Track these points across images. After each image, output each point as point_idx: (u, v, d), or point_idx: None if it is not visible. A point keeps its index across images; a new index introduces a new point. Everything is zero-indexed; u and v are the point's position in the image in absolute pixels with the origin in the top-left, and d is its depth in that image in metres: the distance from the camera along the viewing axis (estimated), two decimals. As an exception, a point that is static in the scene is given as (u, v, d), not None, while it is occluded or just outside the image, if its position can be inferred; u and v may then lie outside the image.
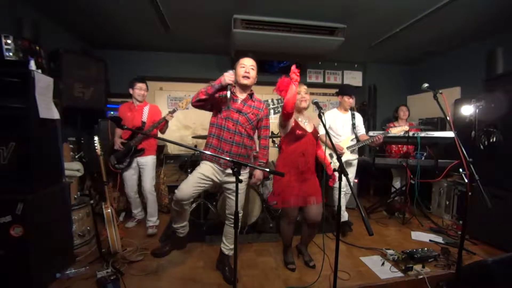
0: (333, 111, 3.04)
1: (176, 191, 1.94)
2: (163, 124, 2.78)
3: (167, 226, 2.97)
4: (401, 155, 3.53)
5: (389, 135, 2.87)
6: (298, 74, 1.78)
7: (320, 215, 2.08)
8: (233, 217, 1.99)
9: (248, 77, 1.92)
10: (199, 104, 1.87)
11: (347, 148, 2.87)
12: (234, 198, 1.90)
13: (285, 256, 2.27)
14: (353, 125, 3.00)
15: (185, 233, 2.27)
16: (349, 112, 3.04)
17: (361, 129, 3.04)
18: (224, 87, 1.81)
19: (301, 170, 2.00)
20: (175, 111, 2.74)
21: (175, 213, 2.09)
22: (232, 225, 2.01)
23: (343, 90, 3.01)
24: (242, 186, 2.03)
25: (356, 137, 3.01)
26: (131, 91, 2.80)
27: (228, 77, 1.77)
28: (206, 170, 1.95)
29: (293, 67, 1.76)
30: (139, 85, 2.79)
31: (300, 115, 2.12)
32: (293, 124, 2.03)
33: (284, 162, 2.06)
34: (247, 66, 1.92)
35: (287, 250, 2.28)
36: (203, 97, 1.82)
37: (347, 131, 2.98)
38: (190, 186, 1.93)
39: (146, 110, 2.83)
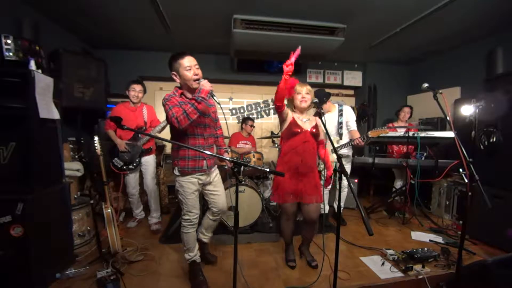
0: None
1: (188, 217, 1.90)
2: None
3: (167, 227, 2.97)
4: (402, 155, 3.54)
5: (369, 136, 2.76)
6: (291, 65, 1.72)
7: (316, 214, 2.09)
8: (219, 212, 2.06)
9: (199, 79, 1.76)
10: (190, 125, 1.74)
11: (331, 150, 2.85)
12: (219, 193, 2.03)
13: (286, 253, 2.29)
14: (340, 123, 2.93)
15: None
16: (336, 111, 2.96)
17: (352, 125, 2.95)
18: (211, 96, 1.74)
19: (296, 167, 2.01)
20: None
21: (192, 237, 1.96)
22: (214, 220, 2.12)
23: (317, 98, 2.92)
24: (219, 180, 2.08)
25: (341, 137, 2.95)
26: (127, 92, 2.86)
27: (208, 84, 1.71)
28: (193, 185, 1.88)
29: (291, 55, 1.70)
30: (133, 86, 2.84)
31: (300, 114, 2.12)
32: (290, 121, 2.04)
33: (282, 159, 2.10)
34: (193, 66, 1.77)
35: (287, 248, 2.30)
36: (195, 116, 1.68)
37: (331, 133, 2.90)
38: (197, 204, 1.93)
39: (145, 111, 2.90)
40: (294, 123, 2.04)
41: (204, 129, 1.90)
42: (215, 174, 2.05)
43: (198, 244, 2.07)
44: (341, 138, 2.95)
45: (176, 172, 1.89)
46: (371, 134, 2.76)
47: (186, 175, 1.87)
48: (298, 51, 1.70)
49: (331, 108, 3.00)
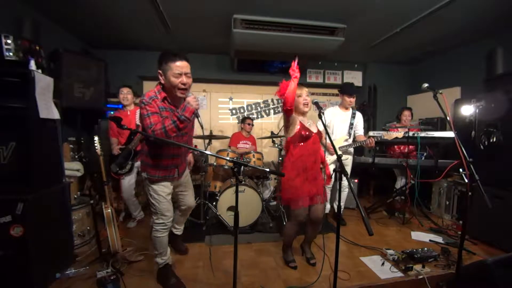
0: (334, 108, 3.11)
1: (162, 220, 1.82)
2: None
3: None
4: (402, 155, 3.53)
5: (384, 138, 2.85)
6: (297, 70, 1.79)
7: (323, 213, 2.11)
8: (186, 208, 2.13)
9: (186, 89, 1.65)
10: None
11: (339, 148, 2.90)
12: (186, 193, 2.07)
13: (286, 255, 2.28)
14: (351, 124, 3.02)
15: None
16: (350, 111, 3.08)
17: (359, 130, 3.07)
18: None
19: (310, 170, 2.01)
20: None
21: (165, 241, 1.89)
22: (182, 215, 2.17)
23: (344, 89, 3.07)
24: (188, 180, 2.12)
25: (354, 137, 3.04)
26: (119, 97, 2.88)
27: (195, 101, 1.59)
28: (166, 188, 1.83)
29: (293, 64, 1.79)
30: (121, 89, 2.88)
31: (304, 117, 2.12)
32: (299, 126, 2.04)
33: (293, 164, 2.03)
34: (184, 74, 1.61)
35: (287, 250, 2.29)
36: (174, 134, 1.57)
37: (343, 130, 3.01)
38: (170, 206, 1.88)
39: (138, 114, 2.87)
40: (303, 127, 2.04)
41: (182, 137, 1.79)
42: (185, 175, 2.03)
43: (170, 237, 1.99)
44: (350, 137, 3.06)
45: (146, 175, 1.79)
46: (386, 136, 2.78)
47: (156, 182, 1.79)
48: (296, 61, 1.79)
49: (349, 107, 3.10)
